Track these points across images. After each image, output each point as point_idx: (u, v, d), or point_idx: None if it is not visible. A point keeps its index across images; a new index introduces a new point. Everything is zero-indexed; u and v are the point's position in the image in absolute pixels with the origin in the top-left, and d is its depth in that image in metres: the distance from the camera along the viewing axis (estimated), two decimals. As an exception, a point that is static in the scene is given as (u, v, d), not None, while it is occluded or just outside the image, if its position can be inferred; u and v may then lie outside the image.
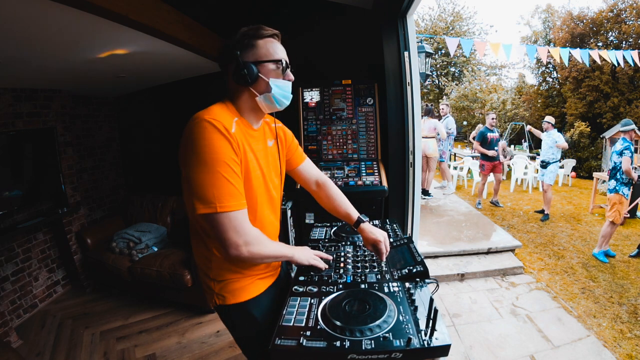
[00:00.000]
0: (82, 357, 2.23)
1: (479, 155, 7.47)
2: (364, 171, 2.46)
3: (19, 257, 2.65)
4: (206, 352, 2.21)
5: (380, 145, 2.58)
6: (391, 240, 1.38)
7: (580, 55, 5.46)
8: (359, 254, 1.30)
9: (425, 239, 3.71)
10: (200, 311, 2.62)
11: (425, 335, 0.83)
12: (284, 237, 2.78)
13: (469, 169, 7.04)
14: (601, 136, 10.76)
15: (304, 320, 0.92)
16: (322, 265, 1.18)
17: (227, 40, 0.98)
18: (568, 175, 8.08)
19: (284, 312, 0.96)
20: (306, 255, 1.17)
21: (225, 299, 1.04)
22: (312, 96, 2.63)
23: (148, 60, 2.34)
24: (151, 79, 3.06)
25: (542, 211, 5.22)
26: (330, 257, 1.25)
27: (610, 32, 12.50)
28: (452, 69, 18.60)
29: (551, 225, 4.83)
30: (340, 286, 1.08)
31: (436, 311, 0.84)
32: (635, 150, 3.82)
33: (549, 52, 5.65)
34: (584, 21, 12.98)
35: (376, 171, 2.45)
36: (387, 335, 0.84)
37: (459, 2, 24.13)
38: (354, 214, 1.27)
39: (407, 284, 1.06)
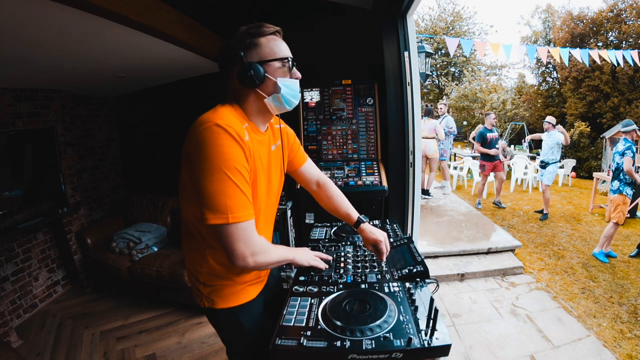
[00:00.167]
0: (82, 357, 2.23)
1: (479, 155, 7.50)
2: (364, 171, 2.46)
3: (19, 257, 2.65)
4: (206, 352, 2.21)
5: (380, 145, 2.57)
6: (391, 240, 1.38)
7: (580, 55, 5.46)
8: (359, 254, 1.30)
9: (425, 239, 3.71)
10: (200, 311, 2.58)
11: (426, 335, 0.83)
12: (284, 237, 2.78)
13: (469, 169, 7.04)
14: (601, 136, 10.76)
15: (305, 320, 0.92)
16: (322, 265, 1.18)
17: (227, 41, 0.94)
18: (568, 175, 8.09)
19: (284, 312, 0.96)
20: (306, 256, 1.17)
21: (214, 302, 1.03)
22: (312, 96, 2.63)
23: (148, 60, 2.34)
24: (151, 79, 3.06)
25: (541, 211, 5.22)
26: (330, 258, 1.25)
27: (610, 32, 12.50)
28: (452, 69, 18.61)
29: (551, 225, 4.83)
30: (341, 286, 1.08)
31: (436, 311, 0.84)
32: (637, 151, 3.80)
33: (549, 52, 5.65)
34: (584, 21, 12.98)
35: (376, 171, 2.45)
36: (387, 335, 0.84)
37: (459, 2, 24.15)
38: (354, 214, 1.27)
39: (407, 284, 1.06)
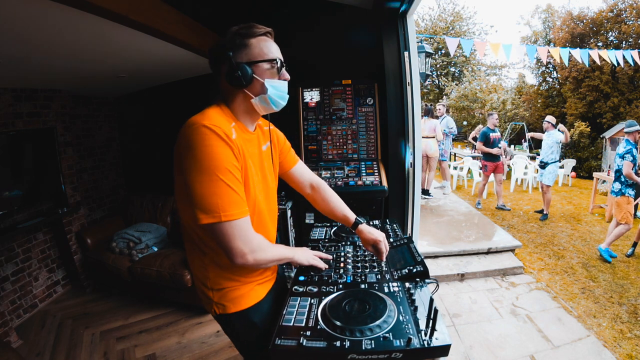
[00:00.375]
0: (82, 357, 2.23)
1: (480, 155, 7.49)
2: (364, 171, 2.46)
3: (19, 257, 2.65)
4: (206, 352, 2.21)
5: (380, 145, 2.58)
6: (391, 240, 1.38)
7: (580, 55, 5.46)
8: (359, 254, 1.30)
9: (425, 239, 3.71)
10: (200, 311, 2.62)
11: (425, 335, 0.83)
12: (284, 237, 2.78)
13: (469, 169, 7.04)
14: (601, 136, 10.76)
15: (304, 320, 0.92)
16: (322, 265, 1.18)
17: (217, 40, 0.94)
18: (568, 175, 8.08)
19: (284, 312, 0.96)
20: (306, 255, 1.17)
21: (225, 307, 1.01)
22: (312, 96, 2.63)
23: (148, 60, 2.34)
24: (151, 79, 3.06)
25: (541, 211, 5.22)
26: (330, 257, 1.25)
27: (610, 32, 12.50)
28: (452, 69, 18.60)
29: (551, 225, 4.83)
30: (340, 286, 1.08)
31: (436, 311, 0.84)
32: (639, 152, 3.79)
33: (549, 52, 5.65)
34: (584, 21, 12.98)
35: (376, 171, 2.45)
36: (387, 335, 0.84)
37: (459, 2, 24.14)
38: (352, 216, 1.26)
39: (407, 284, 1.06)
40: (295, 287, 1.09)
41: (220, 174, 0.83)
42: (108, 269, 2.75)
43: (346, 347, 0.81)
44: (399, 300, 0.98)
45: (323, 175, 2.45)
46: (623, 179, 3.60)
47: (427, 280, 1.09)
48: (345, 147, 2.61)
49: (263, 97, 0.95)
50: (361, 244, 1.36)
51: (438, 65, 18.21)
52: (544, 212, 5.10)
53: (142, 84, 3.20)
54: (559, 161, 5.12)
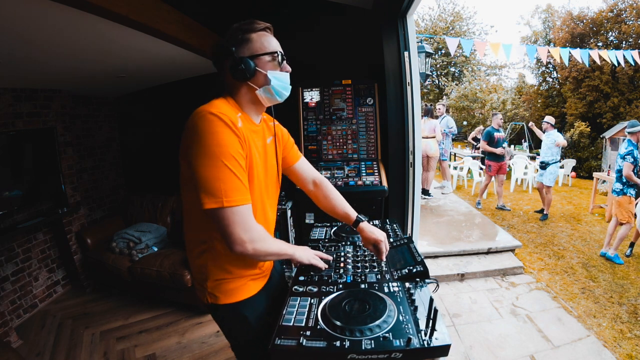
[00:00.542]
0: (82, 357, 2.23)
1: (481, 155, 7.49)
2: (364, 171, 2.46)
3: (19, 257, 2.65)
4: (206, 352, 2.21)
5: (380, 145, 2.58)
6: (391, 240, 1.38)
7: (580, 55, 5.46)
8: (359, 254, 1.30)
9: (425, 239, 3.71)
10: (200, 311, 2.62)
11: (425, 335, 0.83)
12: (284, 237, 2.78)
13: (469, 169, 7.04)
14: (601, 136, 10.76)
15: (304, 320, 0.92)
16: (322, 265, 1.18)
17: (220, 39, 0.98)
18: (568, 175, 8.09)
19: (284, 312, 0.96)
20: (307, 254, 1.17)
21: (217, 298, 1.03)
22: (312, 96, 2.63)
23: (148, 60, 2.34)
24: (151, 79, 3.06)
25: (541, 211, 5.22)
26: (330, 258, 1.25)
27: (610, 32, 12.50)
28: (452, 69, 18.60)
29: (551, 225, 4.83)
30: (340, 286, 1.08)
31: (436, 311, 0.84)
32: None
33: (549, 52, 5.65)
34: (584, 21, 12.98)
35: (376, 171, 2.45)
36: (387, 335, 0.84)
37: (459, 2, 24.15)
38: (353, 213, 1.27)
39: (407, 284, 1.06)
40: (295, 287, 1.09)
41: (225, 160, 0.85)
42: (108, 269, 2.75)
43: (346, 347, 0.81)
44: (399, 300, 0.98)
45: (323, 175, 2.45)
46: (625, 179, 3.60)
47: (427, 280, 1.09)
48: (345, 147, 2.61)
49: (267, 88, 0.98)
50: (361, 244, 1.36)
51: (438, 65, 18.21)
52: (545, 213, 5.11)
53: (142, 84, 3.20)
54: (559, 161, 5.12)
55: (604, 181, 5.99)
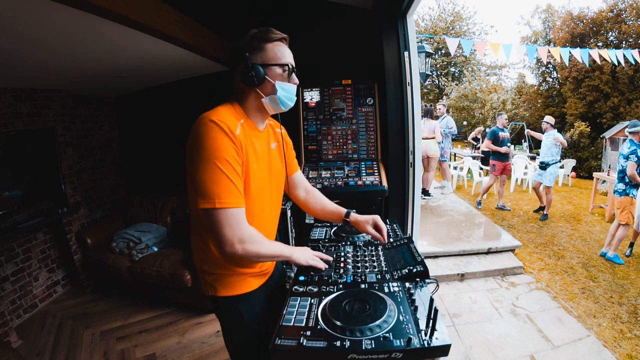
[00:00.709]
0: (82, 357, 2.23)
1: (481, 155, 7.49)
2: (364, 171, 2.46)
3: (19, 257, 2.65)
4: (206, 352, 2.21)
5: (380, 145, 2.57)
6: (391, 240, 1.38)
7: (580, 54, 5.46)
8: (359, 254, 1.30)
9: (425, 239, 3.71)
10: (200, 311, 2.62)
11: (426, 335, 0.83)
12: (284, 237, 2.78)
13: (469, 169, 7.04)
14: (601, 136, 10.76)
15: (304, 320, 0.92)
16: (322, 265, 1.18)
17: (236, 41, 1.01)
18: (568, 175, 8.09)
19: (284, 312, 0.96)
20: (305, 255, 1.17)
21: (216, 290, 1.08)
22: (312, 96, 2.63)
23: (148, 60, 2.34)
24: (151, 79, 3.06)
25: (539, 209, 5.23)
26: (330, 258, 1.25)
27: (610, 32, 12.50)
28: (452, 69, 18.61)
29: (551, 225, 4.83)
30: (340, 286, 1.08)
31: (436, 311, 0.84)
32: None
33: (549, 52, 5.65)
34: (584, 21, 12.98)
35: (376, 171, 2.45)
36: (387, 335, 0.84)
37: (459, 2, 24.15)
38: (342, 209, 1.34)
39: (407, 284, 1.06)
40: (295, 287, 1.09)
41: (219, 164, 0.90)
42: (108, 269, 2.75)
43: (346, 347, 0.81)
44: (399, 300, 0.98)
45: (323, 175, 2.45)
46: (627, 180, 3.58)
47: (427, 280, 1.08)
48: (345, 147, 2.61)
49: (273, 97, 1.02)
50: (361, 244, 1.37)
51: (438, 65, 18.21)
52: (544, 212, 5.11)
53: (142, 84, 3.20)
54: (559, 161, 5.12)
55: (604, 181, 5.99)
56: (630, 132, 3.64)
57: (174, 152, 3.35)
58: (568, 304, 2.76)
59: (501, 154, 5.20)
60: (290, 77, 1.04)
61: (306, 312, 0.95)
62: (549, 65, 14.84)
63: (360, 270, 1.18)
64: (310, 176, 2.41)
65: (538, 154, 6.34)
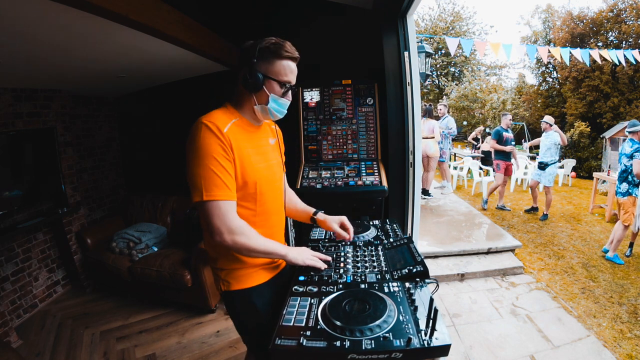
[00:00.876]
0: (82, 357, 2.23)
1: (481, 155, 7.48)
2: (364, 171, 2.46)
3: (19, 257, 2.65)
4: (206, 352, 2.21)
5: (380, 145, 2.57)
6: (391, 240, 1.38)
7: (580, 54, 5.46)
8: (359, 254, 1.30)
9: (425, 239, 3.71)
10: (200, 311, 2.62)
11: (425, 335, 0.83)
12: (284, 237, 2.78)
13: (469, 169, 7.04)
14: (601, 136, 10.76)
15: (304, 320, 0.92)
16: (321, 265, 1.18)
17: (252, 43, 1.05)
18: (568, 175, 8.09)
19: (284, 312, 0.96)
20: (302, 255, 1.17)
21: (229, 284, 1.14)
22: (312, 96, 2.63)
23: (148, 60, 2.34)
24: (151, 79, 3.06)
25: (531, 209, 5.25)
26: (330, 258, 1.25)
27: (610, 32, 12.51)
28: (452, 69, 18.61)
29: (551, 225, 4.83)
30: (340, 286, 1.08)
31: (436, 311, 0.84)
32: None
33: (549, 51, 5.65)
34: (584, 21, 12.98)
35: (376, 171, 2.45)
36: (387, 335, 0.84)
37: (459, 2, 24.14)
38: (311, 209, 1.42)
39: (407, 284, 1.06)
40: (295, 287, 1.09)
41: (206, 161, 0.97)
42: (108, 269, 2.75)
43: (346, 347, 0.81)
44: (399, 300, 0.98)
45: (323, 175, 2.44)
46: (630, 179, 3.55)
47: (427, 280, 1.08)
48: (345, 147, 2.61)
49: (264, 107, 1.09)
50: (361, 244, 1.37)
51: (438, 65, 18.22)
52: (544, 212, 5.11)
53: (142, 84, 3.20)
54: (559, 161, 5.12)
55: (604, 181, 5.99)
56: (630, 132, 3.63)
57: (174, 152, 3.35)
58: (568, 304, 2.76)
59: (505, 153, 5.23)
60: (286, 94, 1.10)
61: (306, 312, 0.95)
62: (549, 65, 14.84)
63: (360, 270, 1.18)
64: (310, 176, 2.41)
65: (538, 154, 6.35)
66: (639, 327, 2.51)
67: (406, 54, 2.18)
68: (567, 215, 5.33)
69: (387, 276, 1.13)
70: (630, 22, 11.88)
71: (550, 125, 4.99)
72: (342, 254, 1.31)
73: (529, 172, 6.95)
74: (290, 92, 1.11)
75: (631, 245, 3.78)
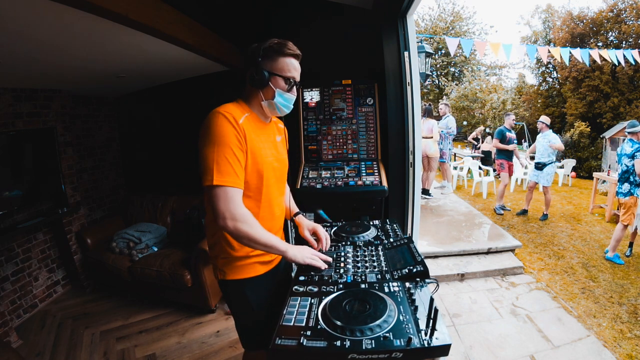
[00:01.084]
0: (82, 357, 2.23)
1: (481, 155, 7.48)
2: (364, 171, 2.46)
3: (19, 257, 2.65)
4: (206, 352, 2.21)
5: (380, 145, 2.57)
6: (391, 240, 1.38)
7: (580, 55, 5.46)
8: (359, 254, 1.30)
9: (425, 239, 3.71)
10: (200, 311, 2.62)
11: (426, 335, 0.83)
12: (284, 238, 2.78)
13: (469, 169, 7.04)
14: (601, 136, 10.76)
15: (304, 320, 0.92)
16: (321, 264, 1.18)
17: (257, 44, 1.12)
18: (568, 175, 8.08)
19: (284, 312, 0.96)
20: (303, 254, 1.18)
21: (225, 274, 1.19)
22: (312, 96, 2.62)
23: (148, 60, 2.34)
24: (151, 79, 3.06)
25: (522, 212, 5.25)
26: (330, 259, 1.25)
27: (610, 32, 12.51)
28: (452, 69, 18.61)
29: (551, 225, 4.83)
30: (341, 286, 1.08)
31: (436, 311, 0.84)
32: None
33: (549, 51, 5.65)
34: (584, 21, 12.99)
35: (376, 171, 2.45)
36: (387, 335, 0.84)
37: (459, 2, 24.15)
38: (295, 208, 1.48)
39: (407, 284, 1.06)
40: (296, 287, 1.09)
41: (220, 147, 1.02)
42: (108, 269, 2.75)
43: (346, 346, 0.81)
44: (399, 300, 0.98)
45: (323, 175, 2.44)
46: (632, 179, 3.54)
47: (427, 280, 1.09)
48: (345, 147, 2.61)
49: (271, 102, 1.15)
50: (361, 244, 1.37)
51: (438, 65, 18.22)
52: (544, 213, 5.11)
53: (141, 84, 3.19)
54: (559, 161, 5.13)
55: (604, 181, 5.99)
56: (629, 132, 3.63)
57: (174, 152, 3.36)
58: (568, 304, 2.76)
59: (509, 153, 5.25)
60: (291, 90, 1.15)
61: (306, 312, 0.95)
62: (549, 65, 14.85)
63: (360, 270, 1.18)
64: (310, 176, 2.41)
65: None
66: (639, 327, 2.51)
67: (406, 54, 2.18)
68: (567, 215, 5.33)
69: (387, 276, 1.13)
70: (630, 22, 11.88)
71: (547, 125, 5.00)
72: (342, 254, 1.31)
73: (529, 172, 6.94)
74: (295, 87, 1.16)
75: (631, 245, 3.79)
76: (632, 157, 3.51)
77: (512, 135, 5.29)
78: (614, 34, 12.45)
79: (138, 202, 3.39)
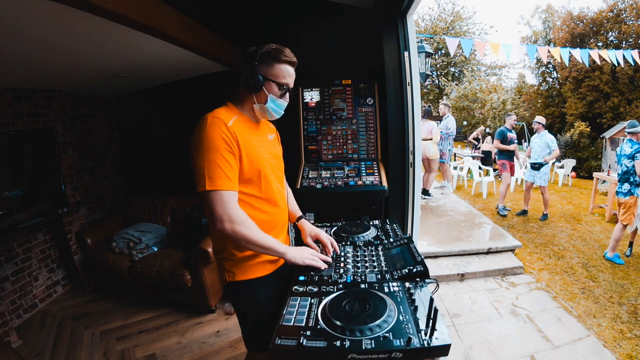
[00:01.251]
0: (82, 357, 2.23)
1: (481, 155, 7.48)
2: (364, 171, 2.46)
3: (19, 257, 2.65)
4: (206, 352, 2.21)
5: (380, 145, 2.57)
6: (391, 240, 1.38)
7: (580, 55, 5.46)
8: (359, 254, 1.30)
9: (425, 239, 3.71)
10: (200, 311, 2.62)
11: (425, 335, 0.83)
12: (288, 240, 2.77)
13: (469, 169, 7.04)
14: (601, 136, 10.76)
15: (304, 320, 0.92)
16: (321, 265, 1.18)
17: (255, 48, 1.14)
18: (568, 175, 8.08)
19: (284, 312, 0.96)
20: (302, 255, 1.18)
21: (234, 275, 1.18)
22: (312, 96, 2.62)
23: (148, 60, 2.34)
24: (151, 79, 3.06)
25: (522, 212, 5.24)
26: (329, 259, 1.25)
27: (610, 32, 12.51)
28: (452, 69, 18.61)
29: (551, 225, 4.83)
30: (340, 286, 1.08)
31: (436, 311, 0.84)
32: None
33: (549, 52, 5.65)
34: (584, 21, 12.99)
35: (376, 171, 2.45)
36: (387, 335, 0.84)
37: (459, 2, 24.15)
38: (299, 211, 1.49)
39: (407, 284, 1.06)
40: (295, 287, 1.09)
41: (210, 153, 1.03)
42: (108, 269, 2.75)
43: (346, 346, 0.81)
44: (399, 300, 0.98)
45: (323, 175, 2.44)
46: (632, 179, 3.55)
47: (427, 280, 1.09)
48: (345, 147, 2.61)
49: (262, 106, 1.17)
50: (361, 244, 1.37)
51: (438, 65, 18.22)
52: (544, 212, 5.11)
53: (141, 84, 3.19)
54: (559, 161, 5.13)
55: (604, 181, 5.99)
56: (629, 132, 3.63)
57: (174, 152, 3.35)
58: (568, 304, 2.76)
59: (510, 153, 5.26)
60: (284, 96, 1.17)
61: (306, 312, 0.95)
62: (549, 65, 14.85)
63: (360, 270, 1.18)
64: (310, 176, 2.41)
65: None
66: (639, 327, 2.51)
67: (406, 54, 2.18)
68: (567, 215, 5.33)
69: (387, 276, 1.13)
70: (630, 22, 11.88)
71: (543, 126, 5.01)
72: (342, 254, 1.31)
73: (526, 172, 6.95)
74: (287, 94, 1.19)
75: (631, 245, 3.79)
76: (631, 157, 3.51)
77: (512, 135, 5.30)
78: (614, 34, 12.45)
79: (138, 202, 3.39)
